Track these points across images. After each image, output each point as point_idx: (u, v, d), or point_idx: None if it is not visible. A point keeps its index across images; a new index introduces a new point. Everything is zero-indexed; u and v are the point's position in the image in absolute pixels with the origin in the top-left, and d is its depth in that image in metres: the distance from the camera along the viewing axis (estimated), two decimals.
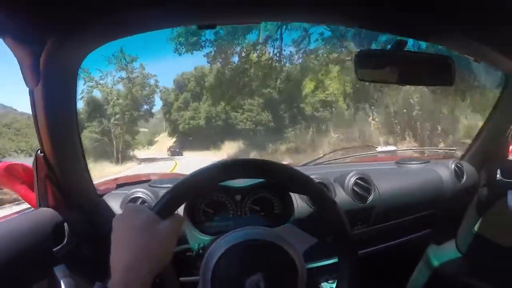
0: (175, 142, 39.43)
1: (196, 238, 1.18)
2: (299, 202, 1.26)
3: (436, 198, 1.55)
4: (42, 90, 0.88)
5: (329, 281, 1.29)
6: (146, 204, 1.16)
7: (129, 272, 0.62)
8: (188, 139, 36.13)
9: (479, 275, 1.58)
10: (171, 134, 41.45)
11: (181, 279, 1.09)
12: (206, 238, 1.16)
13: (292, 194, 1.27)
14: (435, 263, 1.68)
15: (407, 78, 1.07)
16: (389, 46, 1.02)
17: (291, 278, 0.73)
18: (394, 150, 1.97)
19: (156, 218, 0.68)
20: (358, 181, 1.35)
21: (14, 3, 0.65)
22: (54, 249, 0.97)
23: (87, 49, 0.91)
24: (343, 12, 0.88)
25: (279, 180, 0.86)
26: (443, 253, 1.70)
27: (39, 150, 1.00)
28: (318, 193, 0.80)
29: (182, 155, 37.39)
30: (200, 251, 0.83)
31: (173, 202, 0.72)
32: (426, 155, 2.02)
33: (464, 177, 1.61)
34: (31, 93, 0.90)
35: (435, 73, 1.07)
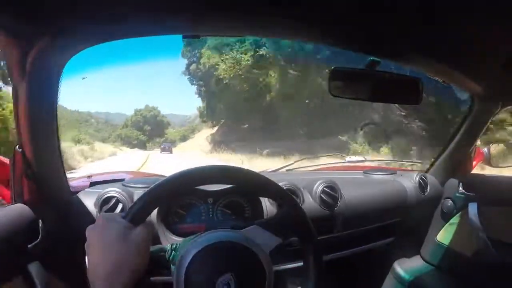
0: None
1: (169, 239, 1.21)
2: (269, 207, 1.31)
3: (400, 208, 1.63)
4: (26, 87, 0.88)
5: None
6: (120, 203, 1.17)
7: (108, 283, 0.63)
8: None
9: (444, 285, 1.67)
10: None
11: (152, 278, 1.09)
12: (179, 239, 1.19)
13: (261, 199, 1.32)
14: (402, 273, 1.74)
15: (377, 95, 1.13)
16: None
17: (260, 278, 0.76)
18: (362, 160, 2.02)
19: (129, 226, 0.70)
20: (326, 189, 1.40)
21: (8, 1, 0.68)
22: (28, 246, 0.95)
23: (73, 51, 0.92)
24: (323, 31, 0.92)
25: (241, 184, 0.92)
26: (409, 262, 1.78)
27: (18, 146, 1.00)
28: (279, 194, 0.86)
29: (171, 153, 40.73)
30: (173, 252, 0.83)
31: (145, 209, 0.75)
32: (393, 166, 2.07)
33: (428, 189, 1.69)
34: (14, 89, 0.90)
35: (404, 92, 1.14)
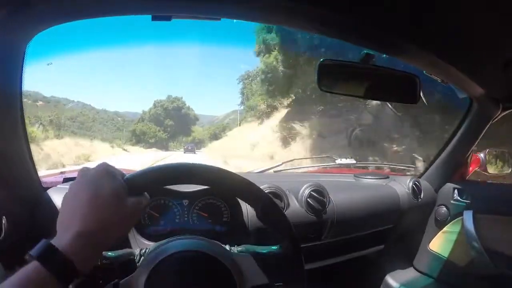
0: None
1: (139, 243, 1.13)
2: (250, 211, 1.23)
3: (392, 214, 1.55)
4: None
5: None
6: None
7: (82, 237, 0.56)
8: None
9: None
10: None
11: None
12: (150, 243, 1.11)
13: (241, 202, 1.24)
14: (393, 283, 1.67)
15: (371, 92, 1.05)
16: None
17: (229, 285, 0.70)
18: (353, 163, 1.95)
19: (126, 190, 0.62)
20: (313, 193, 1.31)
21: None
22: None
23: (34, 29, 0.86)
24: (308, 17, 0.85)
25: (215, 186, 0.81)
26: (401, 271, 1.72)
27: None
28: (259, 198, 0.76)
29: (194, 153, 39.45)
30: (142, 257, 0.77)
31: (151, 181, 0.69)
32: (385, 170, 2.01)
33: (422, 195, 1.62)
34: None
35: (401, 90, 1.07)
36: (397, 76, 1.05)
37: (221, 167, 0.74)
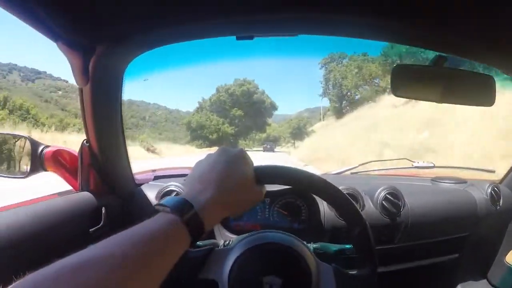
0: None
1: (223, 235, 1.23)
2: (326, 210, 1.28)
3: (468, 221, 1.49)
4: (90, 89, 0.96)
5: None
6: None
7: (214, 202, 0.61)
8: None
9: None
10: None
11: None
12: (233, 236, 1.21)
13: (319, 201, 1.29)
14: None
15: (446, 96, 1.01)
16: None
17: (305, 283, 0.74)
18: (431, 166, 1.89)
19: (254, 178, 0.69)
20: (388, 196, 1.32)
21: (66, 12, 0.72)
22: (90, 230, 1.03)
23: (131, 56, 1.00)
24: (382, 27, 0.87)
25: (316, 193, 0.83)
26: (474, 284, 1.63)
27: (85, 141, 1.10)
28: (352, 212, 0.76)
29: (273, 151, 38.44)
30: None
31: (277, 176, 0.74)
32: (464, 174, 1.92)
33: (501, 202, 1.53)
34: (81, 91, 0.99)
35: (476, 92, 1.03)
36: (472, 78, 1.01)
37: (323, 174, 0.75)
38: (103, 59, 0.91)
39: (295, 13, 0.81)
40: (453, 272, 1.61)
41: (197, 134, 46.77)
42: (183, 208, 0.56)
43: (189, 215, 0.56)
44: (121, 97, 1.09)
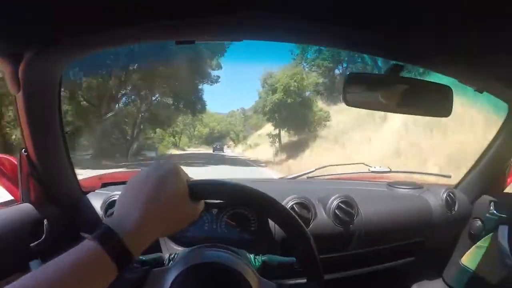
0: None
1: (169, 248, 1.18)
2: None
3: (423, 228, 1.50)
4: (23, 96, 0.93)
5: None
6: None
7: (142, 224, 0.58)
8: None
9: None
10: None
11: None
12: (179, 248, 1.17)
13: None
14: None
15: (401, 106, 1.00)
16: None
17: None
18: (387, 171, 1.89)
19: (188, 194, 0.66)
20: (341, 204, 1.30)
21: None
22: (31, 244, 0.99)
23: (64, 61, 0.96)
24: (336, 34, 0.84)
25: (256, 210, 0.81)
26: (429, 285, 1.66)
27: (23, 149, 1.04)
28: (294, 228, 0.74)
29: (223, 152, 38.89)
30: (170, 262, 0.80)
31: (212, 192, 0.72)
32: (420, 178, 1.94)
33: (456, 207, 1.56)
34: (15, 99, 0.95)
35: (432, 102, 1.01)
36: (429, 88, 1.00)
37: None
38: (33, 65, 0.87)
39: (242, 17, 0.77)
40: (408, 274, 1.64)
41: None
42: (105, 235, 0.54)
43: (112, 243, 0.53)
44: (58, 102, 1.05)
